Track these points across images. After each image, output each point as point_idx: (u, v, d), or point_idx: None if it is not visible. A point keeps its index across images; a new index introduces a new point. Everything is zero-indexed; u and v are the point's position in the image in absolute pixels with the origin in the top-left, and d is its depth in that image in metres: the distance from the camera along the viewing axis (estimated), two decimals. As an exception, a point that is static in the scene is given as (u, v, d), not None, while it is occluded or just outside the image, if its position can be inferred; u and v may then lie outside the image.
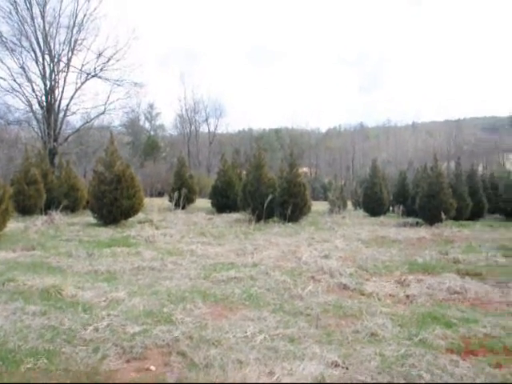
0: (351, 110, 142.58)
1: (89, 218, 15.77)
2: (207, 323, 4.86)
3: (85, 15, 28.97)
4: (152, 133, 70.57)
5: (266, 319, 5.06)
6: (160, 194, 36.40)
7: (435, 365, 3.89)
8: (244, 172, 22.39)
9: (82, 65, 29.96)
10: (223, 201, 22.23)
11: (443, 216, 16.07)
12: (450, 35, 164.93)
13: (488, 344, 4.48)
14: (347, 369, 3.84)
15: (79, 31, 29.42)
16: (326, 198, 31.93)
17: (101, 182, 14.48)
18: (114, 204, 14.18)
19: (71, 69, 29.83)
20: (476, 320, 5.27)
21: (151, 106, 69.56)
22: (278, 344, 4.30)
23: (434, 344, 4.42)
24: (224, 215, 19.81)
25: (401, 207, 21.53)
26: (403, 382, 3.62)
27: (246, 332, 4.59)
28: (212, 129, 72.67)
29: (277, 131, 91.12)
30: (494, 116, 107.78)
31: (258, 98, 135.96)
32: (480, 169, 60.09)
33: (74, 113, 30.86)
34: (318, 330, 4.79)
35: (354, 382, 3.62)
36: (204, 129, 73.44)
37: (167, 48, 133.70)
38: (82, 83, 30.17)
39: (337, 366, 3.89)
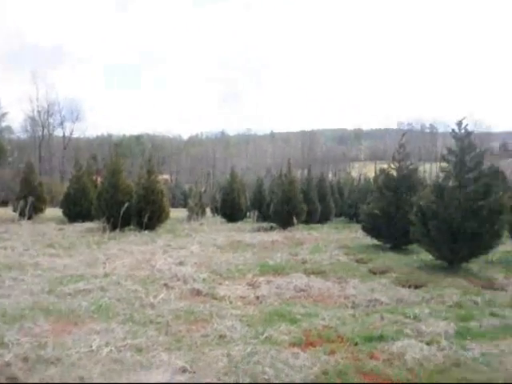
0: (213, 119, 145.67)
1: None
2: (47, 341, 4.49)
3: None
4: (-4, 135, 63.39)
5: (113, 331, 4.85)
6: (4, 203, 32.94)
7: (278, 359, 4.11)
8: (100, 179, 21.29)
9: None
10: (76, 209, 20.85)
11: (295, 220, 17.14)
12: (301, 51, 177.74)
13: (325, 334, 4.87)
14: (194, 373, 3.87)
15: None
16: (186, 205, 31.94)
17: None
18: None
19: None
20: (317, 314, 5.69)
21: (-4, 106, 62.42)
22: (124, 355, 4.15)
23: (278, 340, 4.67)
24: (77, 225, 18.59)
25: (256, 212, 22.44)
26: (249, 380, 3.75)
27: (91, 346, 4.35)
28: (67, 133, 68.09)
29: (138, 137, 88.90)
30: (342, 128, 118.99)
31: (119, 103, 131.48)
32: (330, 176, 65.50)
33: None
34: (167, 338, 4.74)
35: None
36: (58, 133, 68.49)
37: (18, 45, 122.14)
38: None
39: (184, 371, 3.89)
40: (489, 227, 8.57)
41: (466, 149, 9.27)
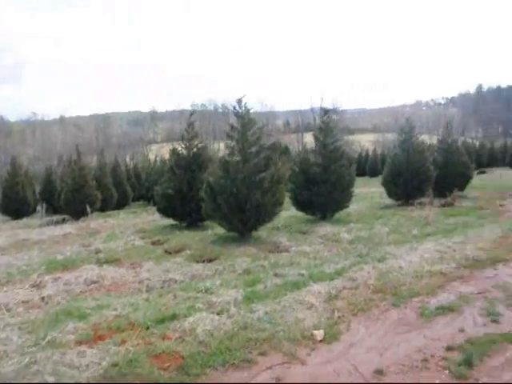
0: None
1: None
2: None
3: None
4: None
5: None
6: None
7: (62, 362, 3.74)
8: None
9: None
10: None
11: (89, 209, 16.15)
12: (97, 31, 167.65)
13: (116, 324, 4.62)
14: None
15: None
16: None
17: None
18: None
19: None
20: (109, 305, 5.40)
21: None
22: None
23: (63, 341, 4.26)
24: None
25: (44, 205, 20.54)
26: None
27: None
28: None
29: None
30: (138, 111, 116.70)
31: None
32: (127, 160, 63.81)
33: None
34: None
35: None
36: None
37: None
38: None
39: None
40: (271, 196, 9.33)
41: (246, 125, 9.82)
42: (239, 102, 9.93)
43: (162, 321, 4.64)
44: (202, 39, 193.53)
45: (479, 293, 5.63)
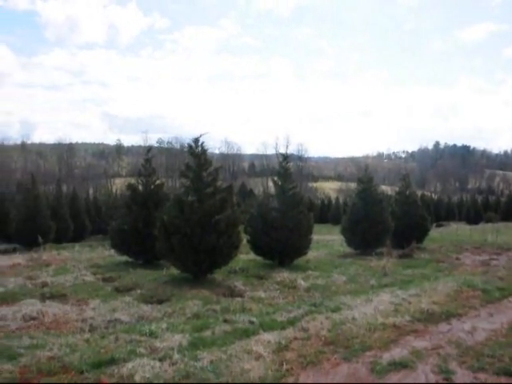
0: None
1: None
2: None
3: None
4: None
5: None
6: None
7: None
8: None
9: None
10: None
11: (40, 240, 15.44)
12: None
13: (47, 367, 4.26)
14: None
15: None
16: None
17: None
18: None
19: None
20: (45, 344, 5.02)
21: None
22: None
23: (-18, 385, 3.87)
24: None
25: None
26: None
27: None
28: None
29: None
30: (103, 143, 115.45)
31: None
32: (91, 192, 62.46)
33: None
34: None
35: None
36: None
37: None
38: None
39: None
40: (226, 239, 9.08)
41: (202, 165, 9.64)
42: (196, 141, 9.73)
43: (98, 365, 4.31)
44: (174, 79, 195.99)
45: (433, 348, 5.54)
